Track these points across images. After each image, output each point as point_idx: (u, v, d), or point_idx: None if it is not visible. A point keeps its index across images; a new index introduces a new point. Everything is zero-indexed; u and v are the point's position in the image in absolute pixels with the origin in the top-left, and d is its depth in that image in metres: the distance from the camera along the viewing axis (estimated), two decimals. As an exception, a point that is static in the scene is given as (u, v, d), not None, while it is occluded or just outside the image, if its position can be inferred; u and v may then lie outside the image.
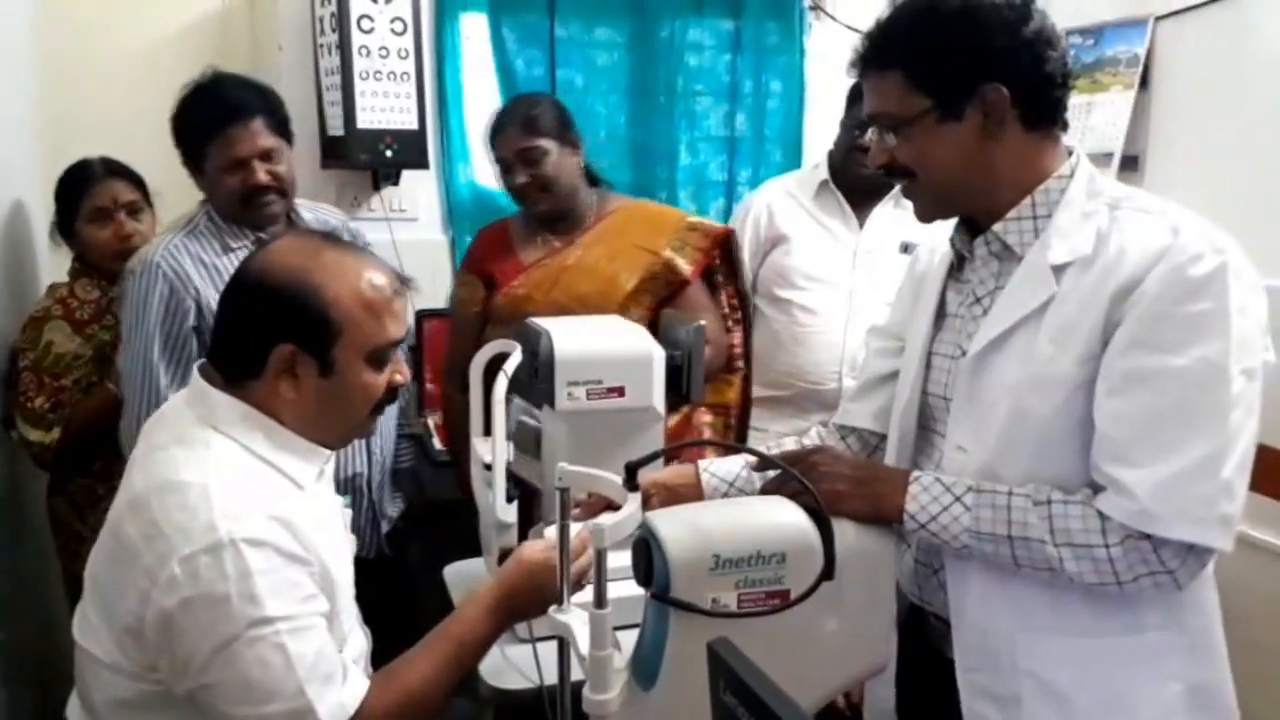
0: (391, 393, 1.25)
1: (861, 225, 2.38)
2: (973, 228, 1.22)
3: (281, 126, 1.89)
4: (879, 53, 1.17)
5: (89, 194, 2.11)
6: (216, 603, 1.04)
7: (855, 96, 2.30)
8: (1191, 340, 1.03)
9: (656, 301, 2.05)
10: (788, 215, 2.41)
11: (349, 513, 1.41)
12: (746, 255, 2.39)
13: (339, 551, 1.25)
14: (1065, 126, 1.18)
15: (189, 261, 1.83)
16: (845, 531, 1.12)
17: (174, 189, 2.32)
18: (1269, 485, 1.70)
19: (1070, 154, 1.18)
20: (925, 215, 1.24)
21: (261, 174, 1.82)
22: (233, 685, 1.06)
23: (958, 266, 1.27)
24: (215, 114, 1.82)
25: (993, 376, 1.15)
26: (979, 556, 1.15)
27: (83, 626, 1.15)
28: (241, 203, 1.85)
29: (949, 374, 1.23)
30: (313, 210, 2.09)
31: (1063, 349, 1.09)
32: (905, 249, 2.35)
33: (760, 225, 2.42)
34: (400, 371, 1.25)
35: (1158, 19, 2.13)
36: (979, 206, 1.19)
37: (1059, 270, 1.11)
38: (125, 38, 2.73)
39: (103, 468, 2.05)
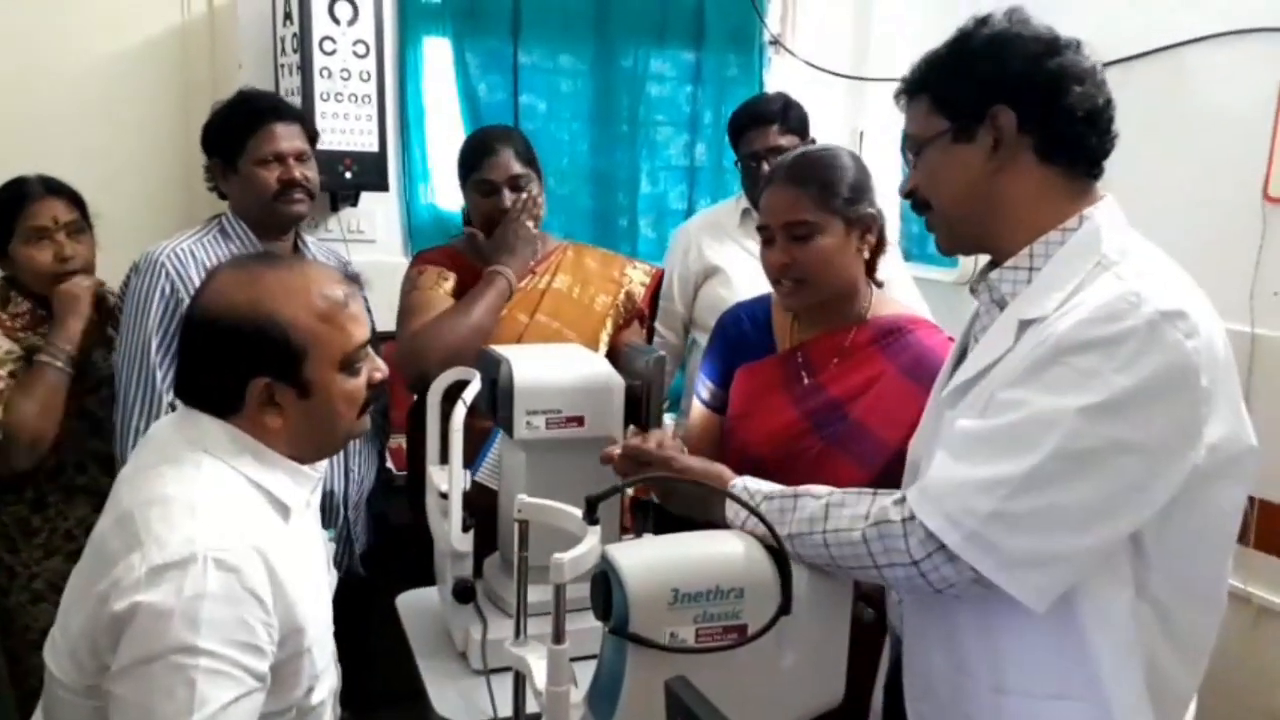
0: (374, 389, 1.25)
1: None
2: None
3: (312, 139, 2.02)
4: (915, 79, 1.18)
5: (26, 213, 1.96)
6: (158, 616, 1.02)
7: (740, 128, 2.38)
8: (1060, 388, 1.00)
9: (615, 329, 2.11)
10: (717, 247, 2.47)
11: (333, 546, 1.39)
12: (676, 290, 2.46)
13: (316, 588, 1.23)
14: (1095, 171, 1.14)
15: (194, 265, 1.89)
16: (804, 567, 1.14)
17: (126, 208, 2.29)
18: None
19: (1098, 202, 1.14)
20: (944, 247, 1.23)
21: (297, 171, 1.93)
22: (133, 707, 1.02)
23: None
24: (261, 109, 1.94)
25: (948, 422, 1.16)
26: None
27: (50, 648, 1.14)
28: (274, 196, 1.91)
29: None
30: (317, 246, 2.13)
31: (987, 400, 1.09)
32: None
33: (690, 259, 2.48)
34: (376, 368, 1.25)
35: (1103, 65, 2.21)
36: (993, 243, 1.17)
37: (1024, 325, 1.09)
38: (81, 54, 2.67)
39: (36, 498, 1.97)
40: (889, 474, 1.38)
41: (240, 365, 1.14)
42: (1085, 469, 1.00)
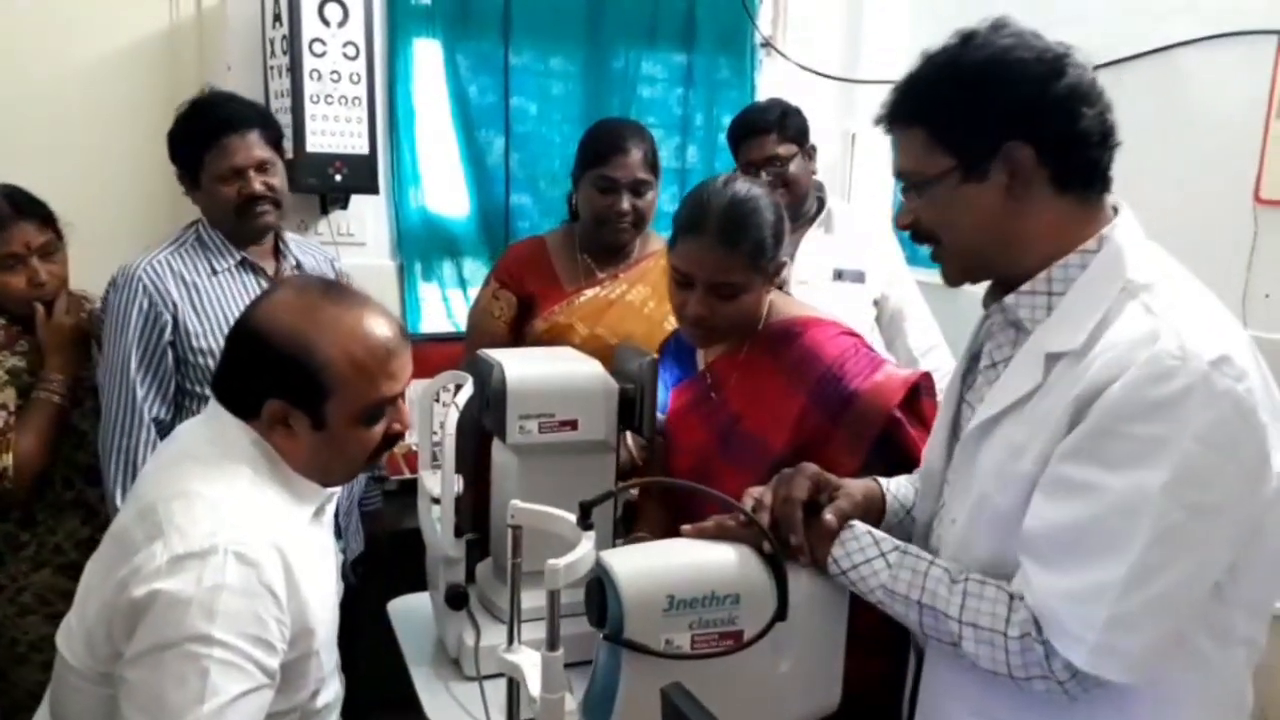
0: (391, 440, 1.26)
1: (792, 256, 2.40)
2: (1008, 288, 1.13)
3: (275, 141, 1.95)
4: (902, 108, 1.10)
5: None
6: (176, 604, 1.03)
7: (738, 138, 2.37)
8: (1132, 463, 0.96)
9: None
10: None
11: (341, 557, 1.39)
12: None
13: (326, 594, 1.24)
14: (1106, 187, 1.08)
15: (170, 278, 1.86)
16: (800, 573, 1.13)
17: (114, 213, 2.26)
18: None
19: (1116, 214, 1.09)
20: (953, 280, 1.16)
21: (257, 184, 1.87)
22: (145, 693, 1.03)
23: None
24: (213, 124, 1.87)
25: (977, 458, 1.11)
26: (890, 615, 1.13)
27: (65, 633, 1.15)
28: (237, 212, 1.88)
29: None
30: (300, 245, 2.10)
31: (1029, 446, 1.04)
32: (839, 276, 2.39)
33: None
34: (399, 420, 1.26)
35: (1095, 68, 2.21)
36: (1009, 273, 1.11)
37: (1052, 360, 1.04)
38: (68, 56, 2.65)
39: (23, 516, 1.93)
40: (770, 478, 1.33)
41: (264, 382, 1.17)
42: (1181, 545, 0.96)
